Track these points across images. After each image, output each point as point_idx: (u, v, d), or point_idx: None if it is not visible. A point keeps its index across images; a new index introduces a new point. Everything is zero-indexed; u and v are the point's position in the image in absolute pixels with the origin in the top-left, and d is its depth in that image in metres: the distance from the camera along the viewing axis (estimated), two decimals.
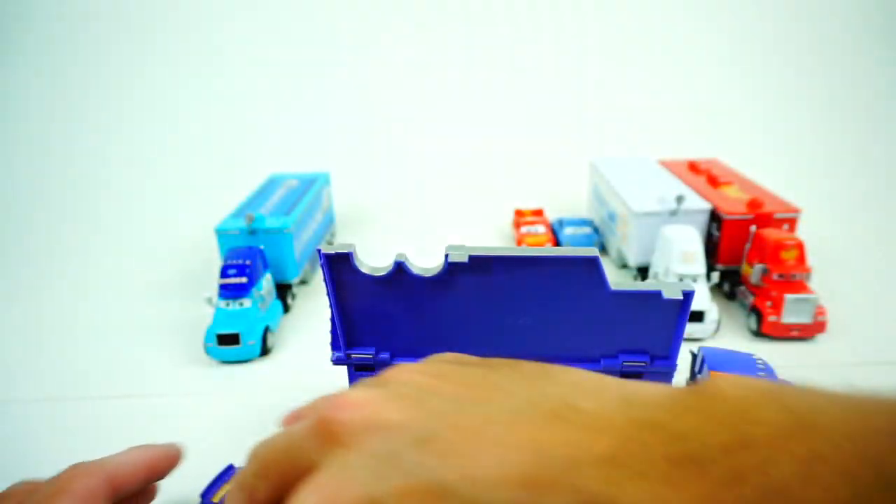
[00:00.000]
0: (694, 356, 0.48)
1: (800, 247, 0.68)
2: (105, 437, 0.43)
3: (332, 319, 0.42)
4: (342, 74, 1.31)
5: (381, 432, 0.20)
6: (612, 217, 0.86)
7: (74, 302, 0.81)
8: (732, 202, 0.76)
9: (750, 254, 0.71)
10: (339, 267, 0.39)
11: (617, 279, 0.39)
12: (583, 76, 1.31)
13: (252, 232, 0.73)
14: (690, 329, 0.64)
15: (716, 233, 0.75)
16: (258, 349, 0.65)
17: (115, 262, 0.92)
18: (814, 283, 0.67)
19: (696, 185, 0.83)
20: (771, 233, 0.70)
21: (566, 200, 1.04)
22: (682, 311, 0.38)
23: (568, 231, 0.91)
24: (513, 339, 0.41)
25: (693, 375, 0.48)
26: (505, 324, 0.41)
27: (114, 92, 1.26)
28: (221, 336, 0.64)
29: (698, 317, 0.66)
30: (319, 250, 0.39)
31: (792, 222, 0.74)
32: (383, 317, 0.41)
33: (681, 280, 0.67)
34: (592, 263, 0.37)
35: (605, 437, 0.18)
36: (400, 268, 0.39)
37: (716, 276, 0.70)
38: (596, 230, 0.93)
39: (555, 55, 1.32)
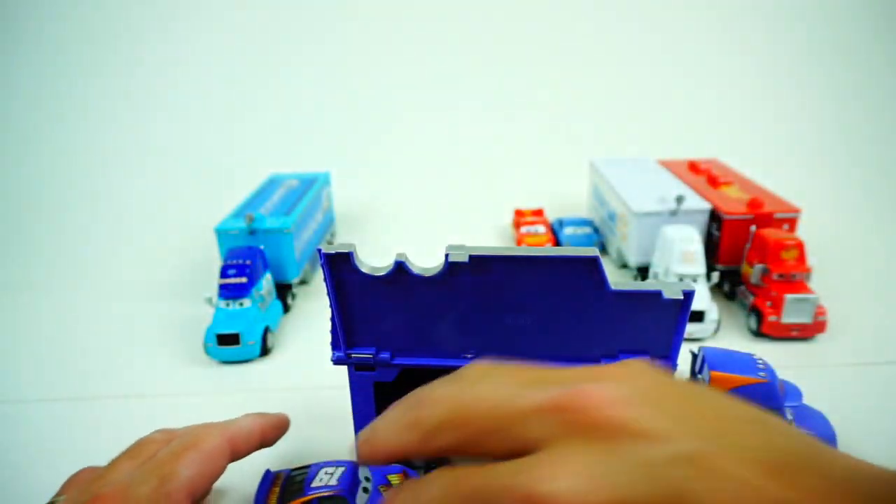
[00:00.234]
0: (694, 356, 0.48)
1: (800, 247, 0.68)
2: (105, 437, 0.43)
3: (332, 319, 0.42)
4: (342, 74, 1.31)
5: (640, 440, 0.20)
6: (612, 217, 0.86)
7: (74, 302, 0.81)
8: (732, 202, 0.76)
9: (750, 254, 0.71)
10: (339, 267, 0.39)
11: (617, 279, 0.39)
12: (583, 76, 1.31)
13: (252, 232, 0.73)
14: (690, 329, 0.64)
15: (716, 233, 0.75)
16: (258, 349, 0.65)
17: (115, 262, 0.92)
18: (814, 283, 0.67)
19: (696, 185, 0.83)
20: (771, 233, 0.70)
21: (566, 200, 1.04)
22: (683, 311, 0.38)
23: (568, 231, 0.91)
24: (513, 339, 0.41)
25: (693, 375, 0.48)
26: (505, 324, 0.41)
27: (113, 92, 1.26)
28: (221, 336, 0.64)
29: (698, 317, 0.66)
30: (319, 250, 0.39)
31: (792, 222, 0.74)
32: (383, 317, 0.41)
33: (681, 280, 0.67)
34: (592, 263, 0.37)
35: None
36: (400, 267, 0.39)
37: (716, 276, 0.70)
38: (596, 230, 0.93)
39: (555, 55, 1.32)
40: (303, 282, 0.82)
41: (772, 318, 0.65)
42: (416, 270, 0.39)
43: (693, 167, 0.91)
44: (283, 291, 0.75)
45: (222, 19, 1.30)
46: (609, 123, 1.26)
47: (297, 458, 0.48)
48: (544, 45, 1.32)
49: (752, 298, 0.69)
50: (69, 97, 1.25)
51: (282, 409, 0.46)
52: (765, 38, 1.32)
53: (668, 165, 0.94)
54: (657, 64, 1.32)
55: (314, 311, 0.76)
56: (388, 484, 0.43)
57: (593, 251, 0.37)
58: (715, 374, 0.44)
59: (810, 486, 0.19)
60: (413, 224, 1.02)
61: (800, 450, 0.21)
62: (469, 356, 0.42)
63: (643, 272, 0.77)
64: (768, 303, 0.66)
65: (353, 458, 0.27)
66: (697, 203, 0.76)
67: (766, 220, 0.73)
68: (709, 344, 0.62)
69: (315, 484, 0.40)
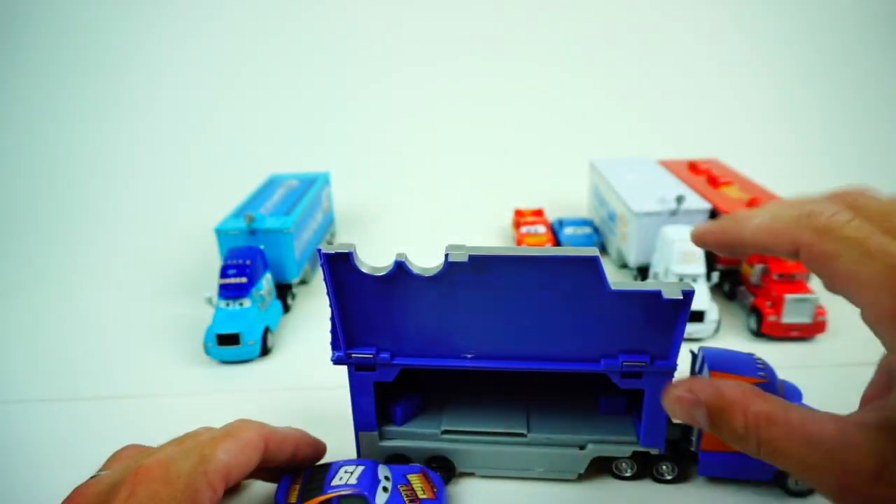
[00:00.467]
0: (694, 356, 0.48)
1: None
2: (105, 437, 0.43)
3: (332, 319, 0.42)
4: (343, 75, 1.31)
5: None
6: (612, 217, 0.86)
7: (74, 302, 0.81)
8: (732, 202, 0.76)
9: None
10: (339, 267, 0.39)
11: (617, 279, 0.39)
12: (583, 76, 1.31)
13: (252, 232, 0.73)
14: (690, 329, 0.64)
15: None
16: (258, 349, 0.65)
17: (115, 262, 0.92)
18: (814, 283, 0.67)
19: (696, 185, 0.83)
20: None
21: (566, 200, 1.04)
22: (682, 311, 0.38)
23: (568, 231, 0.91)
24: (513, 339, 0.41)
25: (693, 375, 0.48)
26: (505, 324, 0.41)
27: (114, 92, 1.27)
28: (221, 336, 0.64)
29: (698, 317, 0.66)
30: (319, 250, 0.39)
31: None
32: (383, 317, 0.41)
33: (681, 280, 0.67)
34: (592, 263, 0.37)
35: None
36: (400, 267, 0.39)
37: (716, 276, 0.70)
38: (596, 230, 0.93)
39: (555, 55, 1.32)
40: (303, 282, 0.82)
41: (772, 318, 0.65)
42: (416, 270, 0.39)
43: (693, 167, 0.91)
44: (283, 291, 0.75)
45: (223, 20, 1.30)
46: (609, 123, 1.26)
47: None
48: (544, 45, 1.32)
49: (752, 298, 0.69)
50: (69, 97, 1.25)
51: (282, 408, 0.46)
52: (765, 38, 1.32)
53: (668, 165, 0.94)
54: (657, 64, 1.32)
55: (314, 311, 0.76)
56: (408, 483, 0.42)
57: (593, 251, 0.37)
58: (715, 374, 0.44)
59: None
60: (413, 224, 1.02)
61: None
62: (469, 356, 0.42)
63: (643, 272, 0.77)
64: (768, 303, 0.66)
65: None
66: (697, 203, 0.76)
67: None
68: (709, 344, 0.62)
69: (335, 482, 0.40)
